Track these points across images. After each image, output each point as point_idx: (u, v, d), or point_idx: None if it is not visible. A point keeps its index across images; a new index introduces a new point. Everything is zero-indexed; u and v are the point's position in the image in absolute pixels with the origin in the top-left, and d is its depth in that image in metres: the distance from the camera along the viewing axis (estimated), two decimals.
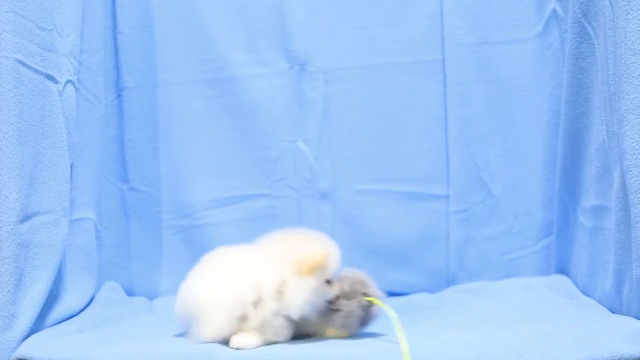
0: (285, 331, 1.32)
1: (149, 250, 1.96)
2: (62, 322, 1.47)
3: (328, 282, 1.33)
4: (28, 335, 1.34)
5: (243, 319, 1.29)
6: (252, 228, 1.93)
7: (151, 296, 1.90)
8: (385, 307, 1.29)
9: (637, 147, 1.28)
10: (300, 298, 1.29)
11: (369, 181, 1.93)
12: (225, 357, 1.22)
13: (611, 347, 1.17)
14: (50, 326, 1.43)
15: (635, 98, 1.27)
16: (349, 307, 1.33)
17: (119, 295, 1.81)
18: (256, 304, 1.30)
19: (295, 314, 1.30)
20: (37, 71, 1.42)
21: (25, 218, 1.37)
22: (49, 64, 1.47)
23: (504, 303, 1.63)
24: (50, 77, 1.47)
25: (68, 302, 1.52)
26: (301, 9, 1.93)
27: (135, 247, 1.95)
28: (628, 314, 1.35)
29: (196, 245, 1.95)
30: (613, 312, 1.42)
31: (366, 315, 1.34)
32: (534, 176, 1.88)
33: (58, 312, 1.47)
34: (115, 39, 1.93)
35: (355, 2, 1.93)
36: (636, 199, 1.28)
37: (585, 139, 1.61)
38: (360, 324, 1.34)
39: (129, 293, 1.89)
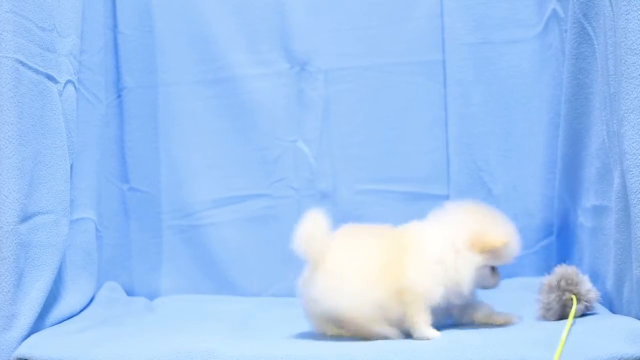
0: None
1: (149, 250, 1.96)
2: (62, 322, 1.47)
3: (493, 269, 1.34)
4: (28, 335, 1.34)
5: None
6: (252, 228, 1.94)
7: (151, 296, 1.90)
8: (572, 315, 1.30)
9: (637, 147, 1.28)
10: (466, 272, 1.30)
11: (369, 181, 1.93)
12: (226, 357, 1.22)
13: (611, 347, 1.16)
14: (51, 326, 1.43)
15: (635, 98, 1.27)
16: (548, 299, 1.37)
17: (119, 295, 1.81)
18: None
19: (463, 289, 1.30)
20: (37, 71, 1.42)
21: (25, 218, 1.37)
22: (49, 64, 1.47)
23: (504, 303, 1.63)
24: (50, 77, 1.47)
25: (68, 302, 1.52)
26: (301, 9, 1.93)
27: (136, 247, 1.95)
28: (628, 314, 1.34)
29: (196, 245, 1.95)
30: (613, 312, 1.42)
31: (563, 311, 1.36)
32: (534, 176, 1.88)
33: (58, 312, 1.47)
34: (115, 39, 1.93)
35: (355, 2, 1.93)
36: (636, 199, 1.27)
37: (586, 139, 1.61)
38: (556, 319, 1.37)
39: (129, 293, 1.89)
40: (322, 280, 1.30)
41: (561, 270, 1.41)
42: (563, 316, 1.36)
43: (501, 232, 1.32)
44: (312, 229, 1.33)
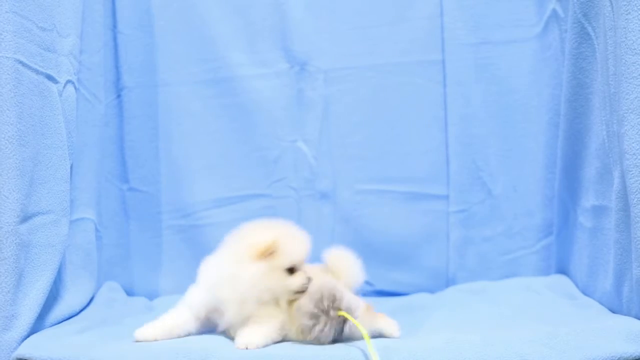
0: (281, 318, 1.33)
1: (149, 250, 1.96)
2: (62, 322, 1.47)
3: (291, 271, 1.32)
4: (28, 336, 1.34)
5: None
6: None
7: (151, 296, 1.90)
8: (357, 324, 1.27)
9: (637, 147, 1.28)
10: (253, 282, 1.30)
11: (369, 181, 1.93)
12: (224, 356, 1.22)
13: (611, 347, 1.17)
14: (50, 326, 1.43)
15: (636, 98, 1.27)
16: (319, 327, 1.28)
17: (119, 295, 1.81)
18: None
19: (255, 299, 1.30)
20: (37, 71, 1.42)
21: (25, 218, 1.37)
22: (49, 64, 1.47)
23: (504, 303, 1.63)
24: (50, 77, 1.47)
25: (68, 302, 1.52)
26: (301, 9, 1.93)
27: (135, 247, 1.95)
28: (628, 314, 1.35)
29: (196, 245, 1.95)
30: (613, 312, 1.42)
31: (340, 332, 1.30)
32: (534, 176, 1.88)
33: (58, 312, 1.47)
34: (115, 39, 1.93)
35: (355, 2, 1.93)
36: (636, 199, 1.28)
37: (586, 139, 1.61)
38: (333, 341, 1.30)
39: (129, 293, 1.89)
40: None
41: (321, 286, 1.33)
42: (338, 338, 1.30)
43: (271, 236, 1.32)
44: None
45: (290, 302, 1.34)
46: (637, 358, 1.16)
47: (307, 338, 1.29)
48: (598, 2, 1.49)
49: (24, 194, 1.37)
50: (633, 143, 1.28)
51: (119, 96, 1.94)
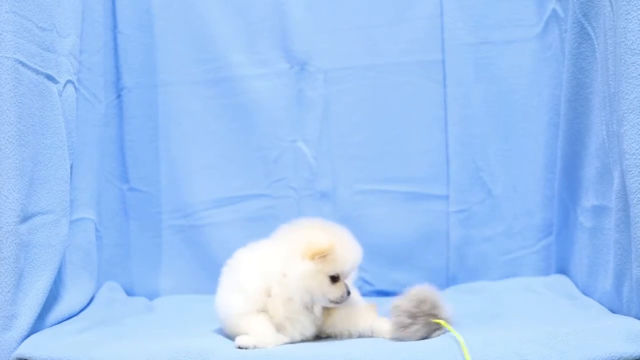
0: (305, 324, 1.32)
1: (149, 250, 1.96)
2: (62, 322, 1.47)
3: (333, 279, 1.31)
4: (28, 336, 1.34)
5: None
6: (252, 228, 1.93)
7: (151, 296, 1.90)
8: (454, 331, 1.26)
9: (637, 147, 1.28)
10: (296, 278, 1.29)
11: (369, 181, 1.93)
12: (224, 357, 1.22)
13: (611, 347, 1.17)
14: (50, 326, 1.43)
15: (635, 98, 1.27)
16: (415, 327, 1.29)
17: (119, 295, 1.81)
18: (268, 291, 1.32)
19: (295, 296, 1.30)
20: (37, 71, 1.42)
21: (25, 218, 1.37)
22: (49, 64, 1.47)
23: (504, 303, 1.63)
24: (50, 77, 1.47)
25: (68, 302, 1.52)
26: (301, 9, 1.93)
27: (135, 247, 1.95)
28: (628, 314, 1.34)
29: (196, 245, 1.95)
30: (613, 312, 1.42)
31: (429, 336, 1.30)
32: (534, 176, 1.88)
33: (58, 312, 1.47)
34: (115, 39, 1.93)
35: (355, 2, 1.93)
36: (636, 199, 1.28)
37: (585, 139, 1.61)
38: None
39: (129, 293, 1.89)
40: None
41: (418, 293, 1.34)
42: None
43: (329, 239, 1.31)
44: None
45: (327, 309, 1.34)
46: (637, 358, 1.16)
47: (397, 335, 1.30)
48: (598, 2, 1.49)
49: (24, 194, 1.37)
50: (633, 143, 1.28)
51: (119, 96, 1.94)
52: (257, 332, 1.30)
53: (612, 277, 1.41)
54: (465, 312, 1.58)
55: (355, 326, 1.35)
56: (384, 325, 1.34)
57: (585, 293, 1.61)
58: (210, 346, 1.26)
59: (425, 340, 1.28)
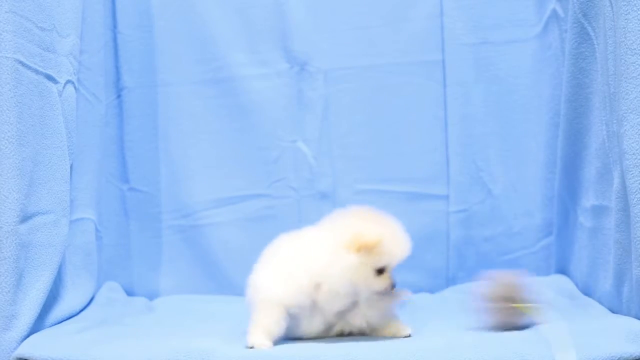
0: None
1: (149, 250, 1.96)
2: (62, 322, 1.47)
3: (380, 272, 1.30)
4: (28, 335, 1.33)
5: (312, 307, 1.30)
6: (252, 228, 1.94)
7: (151, 296, 1.90)
8: (539, 315, 1.26)
9: (637, 147, 1.28)
10: (340, 271, 1.27)
11: (369, 181, 1.93)
12: (225, 357, 1.22)
13: (611, 347, 1.16)
14: (50, 326, 1.43)
15: (635, 98, 1.27)
16: (501, 314, 1.30)
17: (119, 295, 1.81)
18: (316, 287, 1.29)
19: (339, 289, 1.27)
20: (36, 71, 1.42)
21: (25, 218, 1.37)
22: (49, 64, 1.47)
23: None
24: (50, 77, 1.47)
25: (68, 302, 1.52)
26: (301, 9, 1.93)
27: (135, 247, 1.95)
28: (628, 314, 1.34)
29: (196, 245, 1.95)
30: (613, 312, 1.42)
31: (513, 322, 1.31)
32: (534, 176, 1.88)
33: (58, 312, 1.47)
34: (115, 39, 1.93)
35: (355, 2, 1.93)
36: (636, 199, 1.27)
37: (585, 139, 1.61)
38: (507, 329, 1.31)
39: (129, 293, 1.89)
40: None
41: (505, 278, 1.36)
42: (515, 327, 1.32)
43: (377, 231, 1.28)
44: None
45: (371, 300, 1.32)
46: (637, 358, 1.16)
47: (480, 323, 1.31)
48: (598, 2, 1.49)
49: (24, 194, 1.37)
50: (633, 143, 1.28)
51: (119, 96, 1.94)
52: (265, 329, 1.28)
53: (612, 277, 1.41)
54: (465, 312, 1.58)
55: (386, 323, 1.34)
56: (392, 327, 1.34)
57: (585, 293, 1.61)
58: (210, 346, 1.26)
59: (425, 340, 1.28)
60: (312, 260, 1.30)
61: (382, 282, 1.30)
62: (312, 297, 1.30)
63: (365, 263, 1.28)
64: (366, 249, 1.27)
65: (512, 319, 1.31)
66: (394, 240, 1.31)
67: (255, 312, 1.31)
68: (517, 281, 1.33)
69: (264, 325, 1.29)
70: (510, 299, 1.30)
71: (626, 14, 1.28)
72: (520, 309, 1.29)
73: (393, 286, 1.31)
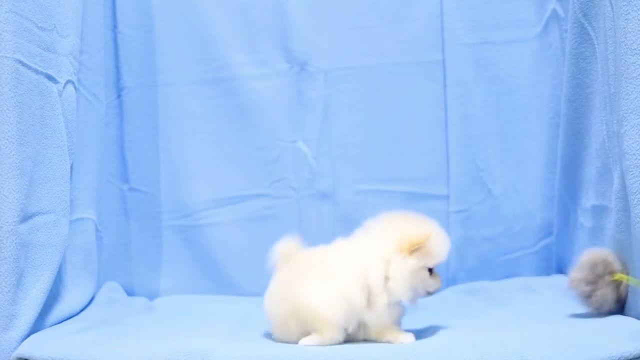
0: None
1: (149, 250, 1.96)
2: (62, 322, 1.47)
3: (431, 272, 1.30)
4: (28, 335, 1.33)
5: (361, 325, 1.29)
6: (252, 228, 1.94)
7: (151, 296, 1.90)
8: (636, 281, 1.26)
9: (637, 147, 1.28)
10: (402, 278, 1.26)
11: (369, 181, 1.93)
12: (225, 357, 1.22)
13: (611, 347, 1.16)
14: (50, 326, 1.43)
15: (636, 98, 1.27)
16: (600, 292, 1.31)
17: (119, 295, 1.81)
18: (369, 303, 1.27)
19: (402, 297, 1.27)
20: (37, 71, 1.42)
21: (25, 218, 1.37)
22: (49, 64, 1.46)
23: (504, 303, 1.63)
24: (50, 77, 1.47)
25: (68, 302, 1.52)
26: (301, 9, 1.93)
27: (135, 247, 1.95)
28: (628, 314, 1.34)
29: (196, 245, 1.95)
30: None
31: (619, 295, 1.32)
32: (534, 176, 1.88)
33: (58, 312, 1.47)
34: (115, 39, 1.93)
35: (355, 2, 1.93)
36: (636, 200, 1.27)
37: (586, 139, 1.61)
38: (616, 307, 1.32)
39: (129, 293, 1.89)
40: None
41: (589, 257, 1.35)
42: (620, 302, 1.32)
43: (422, 229, 1.29)
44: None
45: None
46: (637, 358, 1.16)
47: (587, 306, 1.32)
48: (598, 2, 1.49)
49: (24, 194, 1.37)
50: (633, 143, 1.28)
51: (119, 96, 1.94)
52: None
53: None
54: (465, 312, 1.58)
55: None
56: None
57: None
58: (211, 346, 1.25)
59: (425, 340, 1.28)
60: (369, 277, 1.27)
61: (435, 282, 1.31)
62: (365, 315, 1.28)
63: (421, 265, 1.28)
64: (418, 249, 1.27)
65: (620, 291, 1.31)
66: (438, 237, 1.31)
67: (315, 333, 1.29)
68: (605, 255, 1.34)
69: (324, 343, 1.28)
70: (607, 273, 1.31)
71: (626, 14, 1.28)
72: (621, 278, 1.29)
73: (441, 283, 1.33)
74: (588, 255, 1.35)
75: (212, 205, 1.96)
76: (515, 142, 1.89)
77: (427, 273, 1.29)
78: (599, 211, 1.51)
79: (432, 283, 1.30)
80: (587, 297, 1.33)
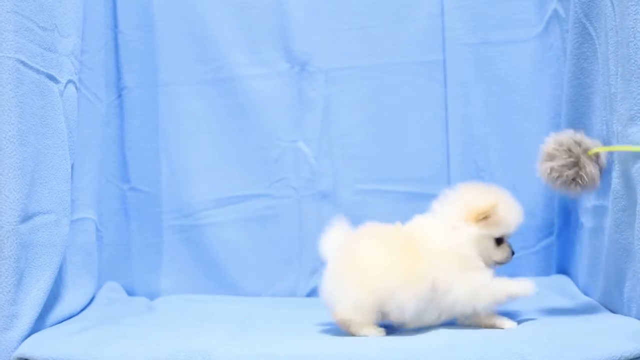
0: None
1: (149, 250, 1.96)
2: (62, 322, 1.47)
3: (499, 242, 1.32)
4: (28, 335, 1.34)
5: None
6: (252, 228, 1.94)
7: (151, 296, 1.90)
8: (620, 147, 1.27)
9: None
10: (463, 241, 1.30)
11: (369, 181, 1.93)
12: (225, 357, 1.22)
13: (611, 347, 1.16)
14: (51, 326, 1.43)
15: None
16: (586, 170, 1.32)
17: (119, 295, 1.81)
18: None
19: (464, 251, 1.30)
20: (38, 71, 1.42)
21: (26, 218, 1.37)
22: (50, 63, 1.47)
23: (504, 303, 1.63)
24: (51, 77, 1.47)
25: (68, 302, 1.52)
26: (301, 9, 1.93)
27: (136, 247, 1.95)
28: (628, 314, 1.35)
29: (196, 245, 1.95)
30: (613, 312, 1.42)
31: (601, 167, 1.33)
32: (534, 176, 1.87)
33: (58, 312, 1.47)
34: (116, 39, 1.93)
35: (355, 2, 1.93)
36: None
37: None
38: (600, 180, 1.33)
39: (130, 293, 1.89)
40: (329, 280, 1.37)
41: (557, 140, 1.37)
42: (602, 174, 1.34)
43: (490, 198, 1.32)
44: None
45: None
46: (637, 358, 1.16)
47: (576, 192, 1.34)
48: (599, 2, 1.49)
49: (25, 194, 1.37)
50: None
51: (119, 96, 1.94)
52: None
53: (612, 277, 1.41)
54: None
55: (483, 301, 1.34)
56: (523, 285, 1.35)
57: (585, 293, 1.61)
58: (211, 346, 1.26)
59: (425, 340, 1.28)
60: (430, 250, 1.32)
61: (502, 252, 1.34)
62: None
63: (485, 234, 1.31)
64: (484, 218, 1.30)
65: (598, 164, 1.33)
66: (508, 207, 1.34)
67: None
68: (574, 135, 1.36)
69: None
70: (584, 149, 1.33)
71: (635, 14, 1.27)
72: (596, 152, 1.31)
73: (512, 254, 1.35)
74: (554, 142, 1.35)
75: (212, 205, 1.96)
76: (516, 142, 1.89)
77: (492, 243, 1.32)
78: (600, 211, 1.51)
79: (497, 253, 1.34)
80: (572, 180, 1.33)
